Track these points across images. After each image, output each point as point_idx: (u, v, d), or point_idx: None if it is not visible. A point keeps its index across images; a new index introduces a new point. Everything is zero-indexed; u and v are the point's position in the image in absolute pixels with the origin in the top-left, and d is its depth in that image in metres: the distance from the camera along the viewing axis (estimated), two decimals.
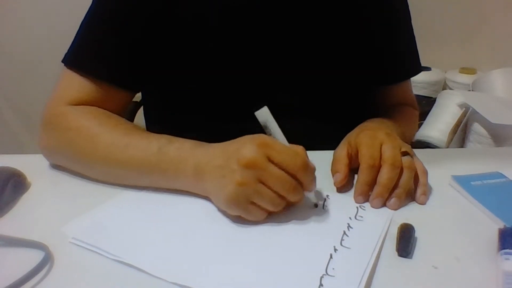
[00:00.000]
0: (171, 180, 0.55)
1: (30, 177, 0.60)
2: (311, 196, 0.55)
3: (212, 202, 0.53)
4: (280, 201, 0.50)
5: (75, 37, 0.67)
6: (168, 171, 0.54)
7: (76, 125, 0.61)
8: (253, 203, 0.49)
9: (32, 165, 0.62)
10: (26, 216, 0.54)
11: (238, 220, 0.51)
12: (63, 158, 0.63)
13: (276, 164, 0.48)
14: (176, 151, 0.55)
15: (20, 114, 1.83)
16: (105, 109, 0.65)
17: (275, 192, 0.49)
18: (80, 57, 0.66)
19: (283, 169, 0.49)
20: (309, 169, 0.51)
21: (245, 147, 0.49)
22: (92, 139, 0.59)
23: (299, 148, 0.52)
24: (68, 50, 0.66)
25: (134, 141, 0.57)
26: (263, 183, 0.48)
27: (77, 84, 0.64)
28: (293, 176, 0.49)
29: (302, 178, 0.50)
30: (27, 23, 1.69)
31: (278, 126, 0.53)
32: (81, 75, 0.64)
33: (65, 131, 0.61)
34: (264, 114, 0.52)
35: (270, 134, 0.52)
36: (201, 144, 0.55)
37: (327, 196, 0.57)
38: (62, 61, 0.66)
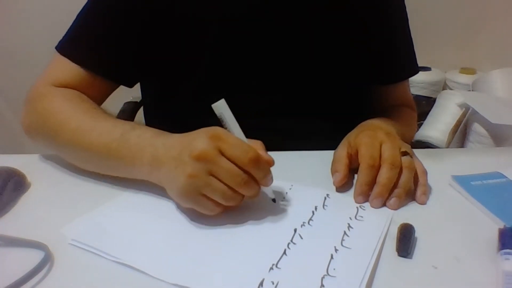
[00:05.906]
0: (128, 167, 0.55)
1: (30, 177, 0.60)
2: (267, 191, 0.54)
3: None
4: (231, 194, 0.49)
5: (70, 27, 0.69)
6: (126, 157, 0.54)
7: (50, 106, 0.62)
8: (204, 196, 0.48)
9: (32, 165, 0.62)
10: (26, 216, 0.54)
11: (238, 220, 0.51)
12: (38, 136, 0.64)
13: (227, 157, 0.48)
14: (136, 138, 0.55)
15: (20, 114, 1.82)
16: (87, 94, 0.66)
17: (226, 185, 0.48)
18: (71, 46, 0.68)
19: (234, 163, 0.48)
20: (262, 164, 0.49)
21: (198, 139, 0.49)
22: (61, 122, 0.60)
23: (257, 143, 0.51)
24: (62, 38, 0.69)
25: (99, 126, 0.58)
26: (214, 176, 0.48)
27: (64, 68, 0.67)
28: (245, 170, 0.48)
29: (253, 172, 0.49)
30: (27, 23, 1.68)
31: (237, 120, 0.51)
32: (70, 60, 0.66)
33: (41, 111, 0.63)
34: (219, 107, 0.51)
35: (225, 128, 0.51)
36: (162, 133, 0.55)
37: (327, 195, 0.57)
38: (55, 48, 0.68)
